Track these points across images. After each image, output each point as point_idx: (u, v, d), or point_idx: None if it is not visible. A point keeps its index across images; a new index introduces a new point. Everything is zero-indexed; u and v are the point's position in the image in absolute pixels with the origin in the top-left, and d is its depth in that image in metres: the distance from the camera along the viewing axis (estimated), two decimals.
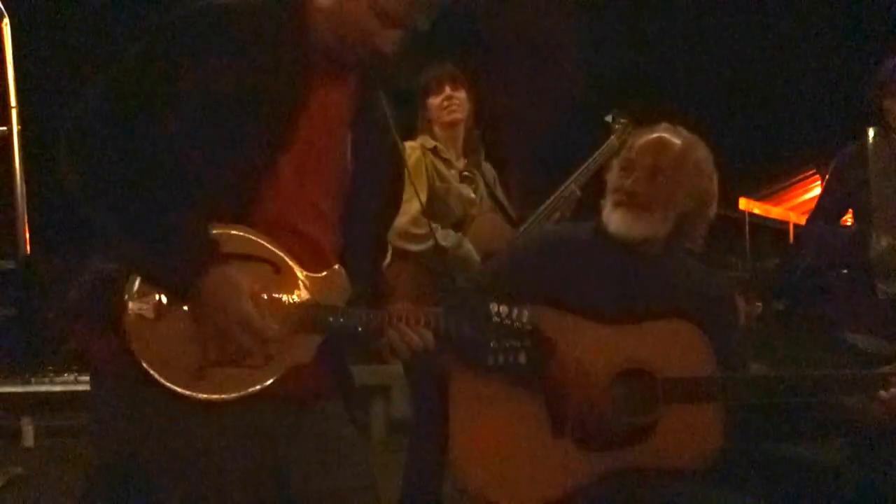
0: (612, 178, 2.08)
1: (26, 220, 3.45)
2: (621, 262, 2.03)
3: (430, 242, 2.87)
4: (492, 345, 1.67)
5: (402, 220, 2.84)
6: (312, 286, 1.64)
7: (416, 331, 1.66)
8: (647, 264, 2.03)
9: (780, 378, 1.95)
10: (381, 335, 1.65)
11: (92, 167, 1.57)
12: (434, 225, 2.92)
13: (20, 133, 3.54)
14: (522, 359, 1.68)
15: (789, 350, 3.19)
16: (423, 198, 2.92)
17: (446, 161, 3.12)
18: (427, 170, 3.04)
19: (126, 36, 1.72)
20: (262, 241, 1.61)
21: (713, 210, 2.10)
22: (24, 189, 3.52)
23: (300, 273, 1.63)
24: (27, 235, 3.48)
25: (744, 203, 7.54)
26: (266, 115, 1.61)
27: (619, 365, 1.94)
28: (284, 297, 1.61)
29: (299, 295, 1.63)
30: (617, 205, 2.03)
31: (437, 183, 3.05)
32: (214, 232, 1.57)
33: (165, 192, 1.58)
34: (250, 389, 1.57)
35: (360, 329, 1.64)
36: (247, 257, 1.59)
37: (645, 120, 2.37)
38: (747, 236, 7.35)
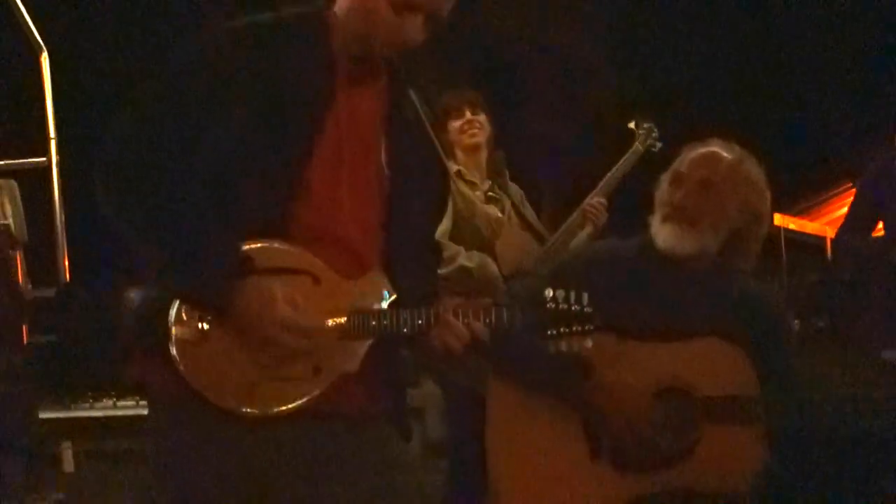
0: (661, 192, 2.04)
1: (66, 248, 3.52)
2: (669, 278, 1.99)
3: (455, 266, 2.87)
4: (550, 332, 1.60)
5: None
6: (352, 292, 1.63)
7: (468, 323, 1.60)
8: (694, 280, 2.00)
9: (826, 400, 1.89)
10: (428, 334, 1.62)
11: (124, 186, 1.60)
12: (457, 247, 2.93)
13: (59, 163, 3.61)
14: (589, 343, 1.59)
15: (830, 369, 3.13)
16: (448, 223, 2.93)
17: (471, 184, 3.13)
18: (452, 193, 3.05)
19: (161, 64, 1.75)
20: (298, 252, 1.61)
21: (765, 228, 2.05)
22: (64, 218, 3.59)
23: (339, 280, 1.63)
24: (66, 263, 3.54)
25: (779, 219, 7.44)
26: (296, 126, 1.62)
27: (659, 384, 1.90)
28: (325, 306, 1.61)
29: (340, 302, 1.62)
30: (666, 219, 1.99)
31: (465, 207, 3.05)
32: (249, 246, 1.59)
33: (196, 209, 1.60)
34: (301, 401, 1.58)
35: (405, 330, 1.61)
36: (283, 270, 1.60)
37: (675, 131, 2.34)
38: (783, 252, 7.25)
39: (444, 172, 1.79)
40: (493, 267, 2.92)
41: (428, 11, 1.61)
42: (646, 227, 2.07)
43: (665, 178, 2.07)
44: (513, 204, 3.17)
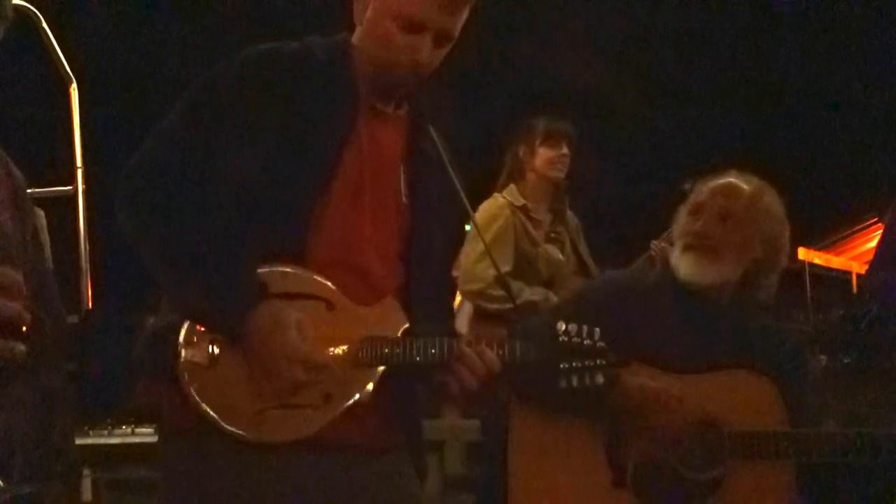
0: (680, 223, 2.05)
1: (89, 275, 3.55)
2: (690, 309, 1.98)
3: (522, 300, 2.84)
4: (562, 366, 1.60)
5: (478, 285, 2.83)
6: (366, 319, 1.64)
7: (481, 352, 1.60)
8: (716, 312, 1.99)
9: (858, 436, 1.85)
10: (440, 364, 1.62)
11: (145, 209, 1.62)
12: (520, 283, 2.91)
13: (85, 192, 3.65)
14: (600, 379, 1.59)
15: (858, 405, 3.07)
16: (510, 264, 2.89)
17: (535, 221, 3.10)
18: (516, 230, 3.02)
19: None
20: (312, 278, 1.62)
21: (784, 259, 2.05)
22: (88, 246, 3.62)
23: (353, 306, 1.64)
24: (90, 291, 3.57)
25: (803, 253, 7.37)
26: (317, 155, 1.64)
27: (686, 415, 1.88)
28: (338, 332, 1.61)
29: (352, 328, 1.62)
30: (686, 248, 2.00)
31: (527, 246, 3.03)
32: (264, 271, 1.60)
33: (214, 234, 1.61)
34: (311, 430, 1.57)
35: (418, 358, 1.61)
36: (297, 295, 1.61)
37: (702, 164, 2.33)
38: (808, 287, 7.17)
39: (463, 208, 1.81)
40: (556, 300, 2.90)
41: (436, 30, 1.64)
42: (664, 258, 2.06)
43: (684, 209, 2.08)
44: (571, 240, 3.14)
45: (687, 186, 3.30)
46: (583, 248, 3.27)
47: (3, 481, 1.18)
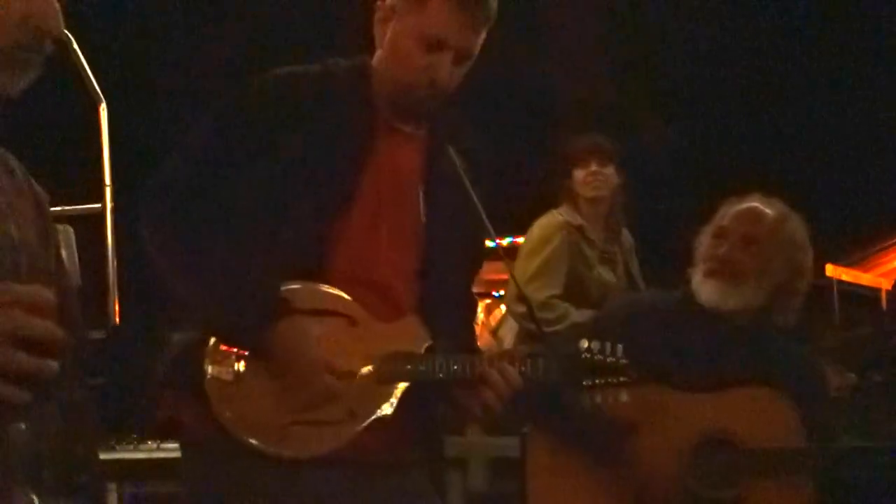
0: (703, 246, 2.04)
1: (117, 292, 3.60)
2: (710, 331, 1.98)
3: (567, 322, 2.83)
4: (585, 383, 1.60)
5: (524, 308, 2.79)
6: (388, 335, 1.65)
7: (504, 374, 1.60)
8: (736, 334, 1.98)
9: (878, 451, 1.84)
10: (462, 381, 1.62)
11: (169, 225, 1.65)
12: (566, 305, 2.89)
13: (113, 210, 3.72)
14: (624, 397, 1.59)
15: (889, 423, 3.03)
16: (560, 287, 2.86)
17: (590, 241, 3.08)
18: (571, 252, 3.00)
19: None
20: (335, 294, 1.64)
21: (807, 284, 2.04)
22: (116, 262, 3.68)
23: (375, 323, 1.65)
24: (117, 307, 3.62)
25: (831, 270, 7.29)
26: (337, 174, 1.67)
27: (701, 434, 1.87)
28: (360, 348, 1.62)
29: (375, 345, 1.63)
30: (709, 274, 1.99)
31: (581, 268, 3.02)
32: (286, 287, 1.62)
33: (237, 251, 1.63)
34: (335, 445, 1.58)
35: (440, 375, 1.62)
36: (321, 311, 1.62)
37: (727, 182, 2.33)
38: (836, 304, 7.09)
39: (483, 228, 1.82)
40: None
41: (456, 48, 1.66)
42: (686, 281, 2.06)
43: (707, 232, 2.07)
44: (624, 261, 3.12)
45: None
46: (634, 268, 3.24)
47: (36, 496, 1.19)
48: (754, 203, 2.06)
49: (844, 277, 7.63)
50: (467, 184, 1.79)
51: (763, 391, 1.92)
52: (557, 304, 2.99)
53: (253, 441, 1.57)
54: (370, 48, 1.76)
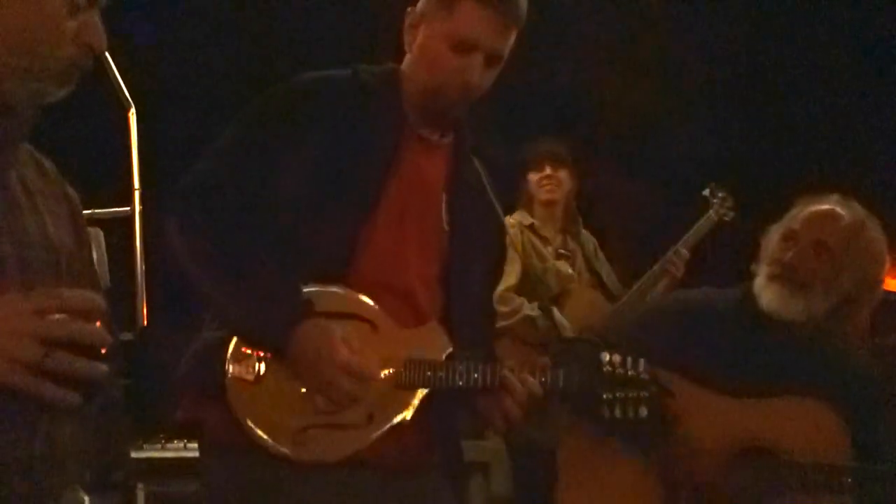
0: (770, 247, 1.95)
1: (145, 293, 3.65)
2: (766, 337, 1.91)
3: (520, 316, 2.87)
4: (605, 396, 1.60)
5: None
6: (409, 341, 1.67)
7: (524, 379, 1.60)
8: (793, 343, 1.91)
9: None
10: (483, 390, 1.63)
11: (195, 225, 1.68)
12: (521, 299, 2.93)
13: (142, 213, 3.77)
14: (644, 412, 1.58)
15: None
16: (515, 277, 2.93)
17: (543, 238, 3.13)
18: (524, 247, 3.06)
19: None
20: (358, 299, 1.66)
21: (877, 297, 1.95)
22: (144, 265, 3.73)
23: (397, 329, 1.67)
24: (145, 309, 3.68)
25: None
26: (363, 180, 1.69)
27: (743, 442, 1.83)
28: (381, 353, 1.64)
29: (396, 350, 1.65)
30: (773, 278, 1.90)
31: (535, 261, 3.05)
32: (310, 290, 1.64)
33: (259, 253, 1.66)
34: (353, 450, 1.59)
35: (460, 383, 1.63)
36: (343, 315, 1.64)
37: (797, 183, 2.23)
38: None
39: (504, 236, 1.83)
40: (558, 315, 2.92)
41: (487, 50, 1.68)
42: (748, 278, 1.99)
43: (776, 232, 1.98)
44: (584, 257, 3.16)
45: (706, 192, 3.28)
46: (600, 265, 3.27)
47: (87, 496, 1.22)
48: (830, 205, 1.97)
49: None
50: (491, 194, 1.80)
51: (812, 402, 1.83)
52: (512, 297, 3.03)
53: (269, 442, 1.59)
54: (398, 56, 1.78)
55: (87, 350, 1.14)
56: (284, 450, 1.58)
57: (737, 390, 1.87)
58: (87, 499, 1.22)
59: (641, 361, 1.59)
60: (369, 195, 1.69)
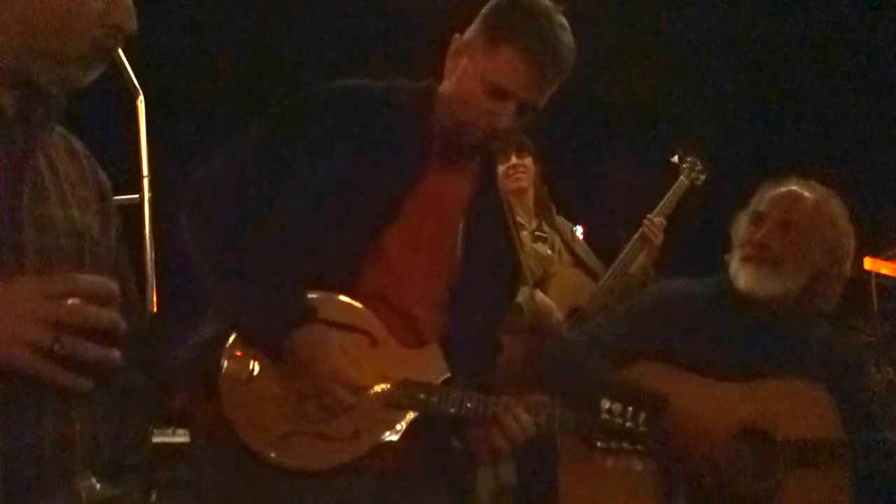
0: (740, 231, 2.02)
1: (154, 281, 3.67)
2: (747, 319, 1.96)
3: None
4: (599, 445, 1.60)
5: None
6: (407, 361, 1.65)
7: (518, 420, 1.59)
8: (774, 322, 1.96)
9: None
10: (474, 420, 1.61)
11: (206, 220, 1.68)
12: None
13: (150, 200, 3.78)
14: (638, 466, 1.58)
15: None
16: None
17: (518, 224, 3.12)
18: None
19: (249, 113, 1.82)
20: (361, 311, 1.64)
21: (847, 268, 2.01)
22: (153, 253, 3.74)
23: (396, 346, 1.65)
24: (154, 297, 3.69)
25: (869, 263, 7.16)
26: (378, 196, 1.68)
27: (740, 424, 1.86)
28: (377, 369, 1.62)
29: (393, 368, 1.63)
30: (746, 259, 1.96)
31: None
32: (314, 297, 1.63)
33: (267, 253, 1.65)
34: (334, 462, 1.58)
35: (452, 410, 1.61)
36: (344, 325, 1.63)
37: (763, 169, 2.28)
38: (874, 298, 6.97)
39: (520, 267, 1.81)
40: (543, 297, 2.91)
41: (520, 99, 1.66)
42: (723, 266, 2.04)
43: (744, 217, 2.05)
44: (563, 240, 3.17)
45: (675, 159, 3.28)
46: (578, 247, 3.29)
47: (96, 480, 1.22)
48: (792, 186, 2.02)
49: (884, 271, 7.49)
50: (511, 223, 1.78)
51: (800, 382, 1.89)
52: None
53: (252, 443, 1.58)
54: (438, 74, 1.76)
55: (100, 335, 1.14)
56: (266, 452, 1.58)
57: (725, 373, 1.90)
58: (98, 484, 1.22)
59: (642, 414, 1.59)
60: (386, 210, 1.68)
